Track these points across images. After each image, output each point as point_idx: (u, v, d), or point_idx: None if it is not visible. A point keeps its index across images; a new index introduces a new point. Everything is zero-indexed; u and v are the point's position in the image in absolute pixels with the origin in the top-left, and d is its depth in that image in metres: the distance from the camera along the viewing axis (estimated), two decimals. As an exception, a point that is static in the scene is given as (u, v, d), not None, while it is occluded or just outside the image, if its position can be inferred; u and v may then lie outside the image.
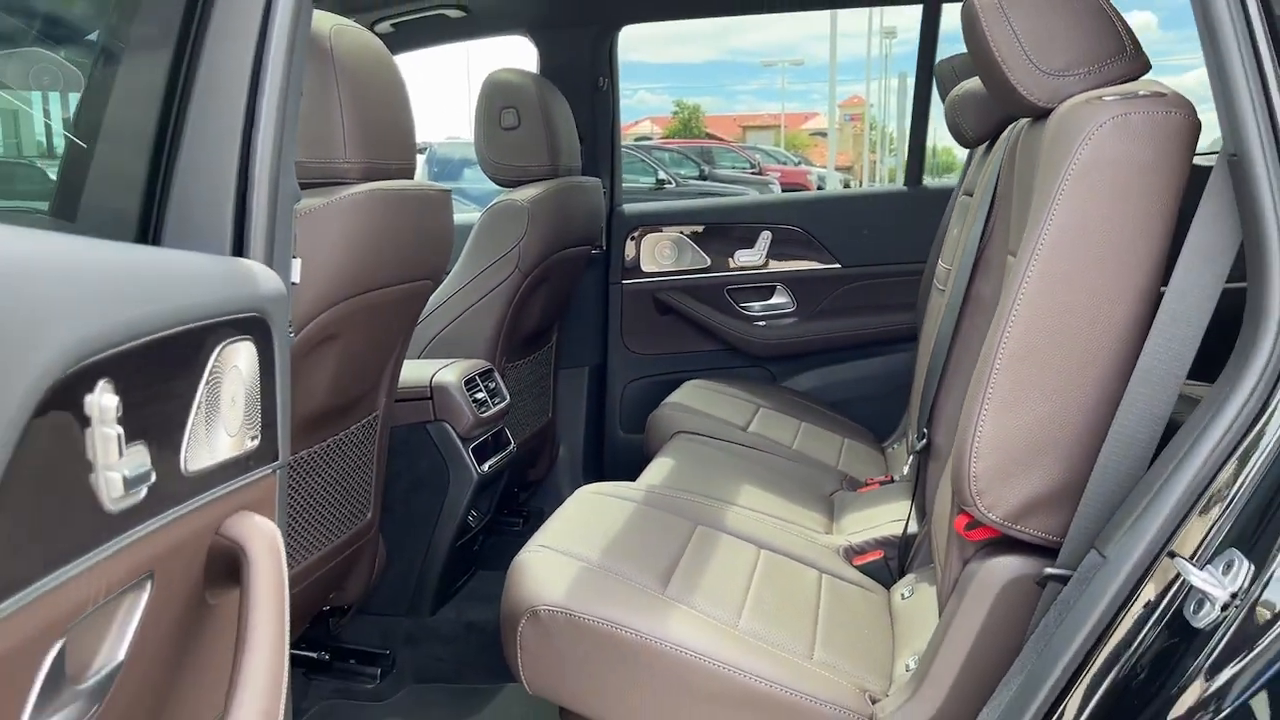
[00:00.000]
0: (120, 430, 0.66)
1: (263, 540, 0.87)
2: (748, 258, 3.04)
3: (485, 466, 2.13)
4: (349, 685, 2.06)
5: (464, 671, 2.15)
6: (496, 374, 2.28)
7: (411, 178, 1.72)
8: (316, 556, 1.76)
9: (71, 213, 1.03)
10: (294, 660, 2.05)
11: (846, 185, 22.23)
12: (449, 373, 2.11)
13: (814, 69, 62.56)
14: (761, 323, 3.04)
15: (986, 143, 2.37)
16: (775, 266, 3.04)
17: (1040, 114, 1.39)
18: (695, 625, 1.38)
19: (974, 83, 2.35)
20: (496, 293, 2.35)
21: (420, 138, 1.87)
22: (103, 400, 0.64)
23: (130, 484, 0.67)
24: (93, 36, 1.26)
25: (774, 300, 3.05)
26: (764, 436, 2.44)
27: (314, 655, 2.06)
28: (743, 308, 3.04)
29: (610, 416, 3.06)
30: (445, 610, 2.23)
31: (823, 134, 33.36)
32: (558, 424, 2.94)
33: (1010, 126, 1.76)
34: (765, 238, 3.02)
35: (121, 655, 0.73)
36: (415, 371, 2.09)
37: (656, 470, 2.08)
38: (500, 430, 2.27)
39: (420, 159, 11.76)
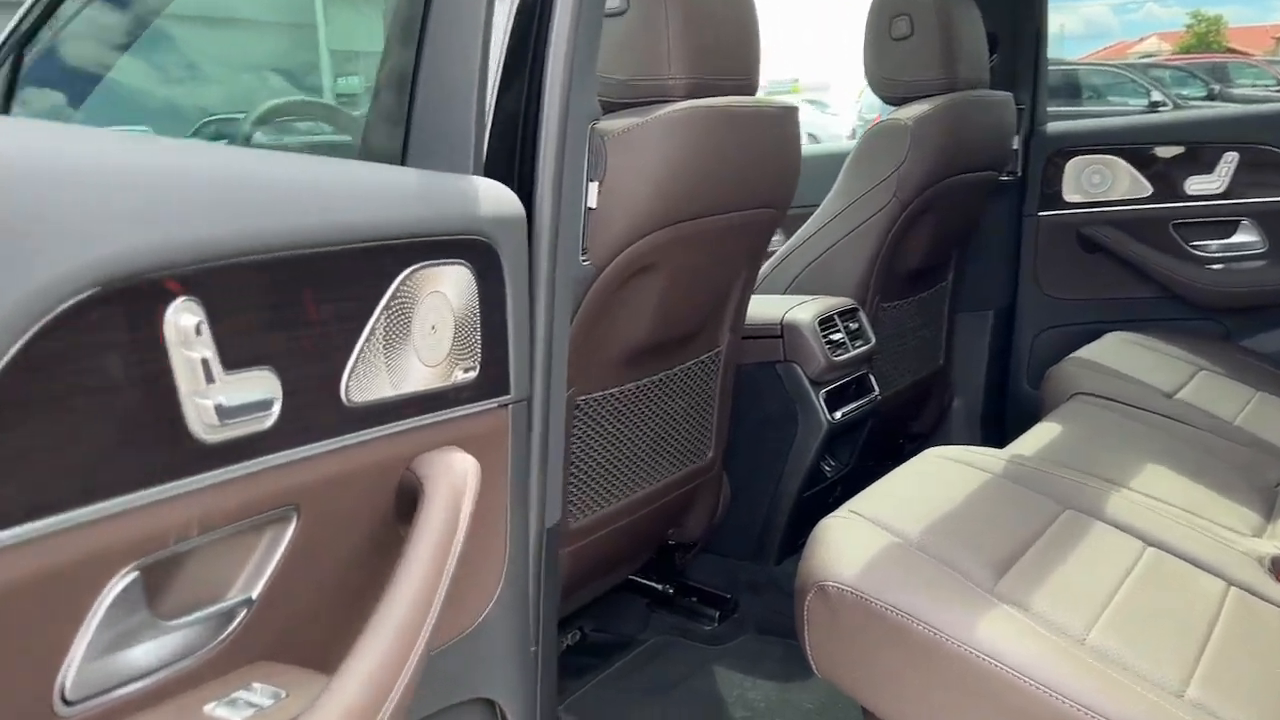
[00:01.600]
0: (208, 354, 0.62)
1: (446, 478, 0.81)
2: (1203, 186, 2.48)
3: (837, 414, 1.95)
4: (688, 625, 2.02)
5: None
6: (862, 314, 2.08)
7: (752, 95, 1.58)
8: (650, 489, 1.73)
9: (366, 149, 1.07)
10: (638, 589, 2.06)
11: None
12: (803, 310, 1.95)
13: (1382, -41, 51.03)
14: (1218, 266, 2.48)
15: None
16: (1241, 197, 2.46)
17: None
18: (1018, 632, 1.12)
19: None
20: (870, 224, 2.12)
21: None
22: (180, 320, 0.60)
23: (229, 413, 0.63)
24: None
25: (1237, 239, 2.47)
26: (1195, 406, 1.98)
27: (658, 587, 2.05)
28: (1193, 247, 2.50)
29: (1016, 368, 2.69)
30: (791, 561, 2.11)
31: (1386, 40, 27.15)
32: (952, 372, 2.65)
33: None
34: (1230, 160, 2.44)
35: (255, 592, 0.71)
36: (767, 308, 1.96)
37: (1035, 437, 1.77)
38: (864, 375, 2.07)
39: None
